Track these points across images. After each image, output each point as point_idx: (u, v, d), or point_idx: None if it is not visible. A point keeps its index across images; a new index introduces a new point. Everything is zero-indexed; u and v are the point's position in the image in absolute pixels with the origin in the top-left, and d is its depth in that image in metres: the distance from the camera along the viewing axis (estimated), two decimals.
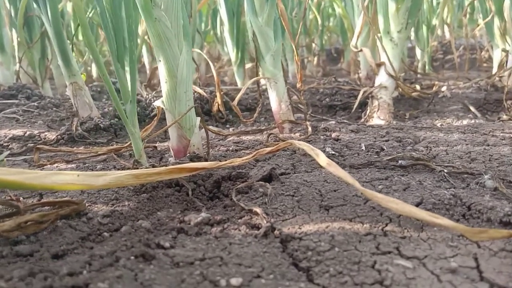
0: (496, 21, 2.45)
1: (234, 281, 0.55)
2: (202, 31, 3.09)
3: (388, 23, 1.67)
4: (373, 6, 1.85)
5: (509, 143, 1.18)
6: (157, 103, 1.10)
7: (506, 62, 2.19)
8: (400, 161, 0.94)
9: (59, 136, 1.43)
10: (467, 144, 1.15)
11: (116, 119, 1.56)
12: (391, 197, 0.65)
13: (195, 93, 1.81)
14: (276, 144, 1.14)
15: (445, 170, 0.87)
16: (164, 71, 1.04)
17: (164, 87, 1.07)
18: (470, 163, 1.01)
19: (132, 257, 0.59)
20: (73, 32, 2.06)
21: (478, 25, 3.44)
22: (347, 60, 3.24)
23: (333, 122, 1.58)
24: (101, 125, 1.51)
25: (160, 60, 1.04)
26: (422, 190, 0.81)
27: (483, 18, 2.78)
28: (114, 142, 1.45)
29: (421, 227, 0.70)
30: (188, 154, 1.08)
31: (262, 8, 1.36)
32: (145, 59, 3.14)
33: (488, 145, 1.16)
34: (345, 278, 0.58)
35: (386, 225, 0.71)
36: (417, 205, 0.76)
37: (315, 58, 3.35)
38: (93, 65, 3.33)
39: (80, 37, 3.15)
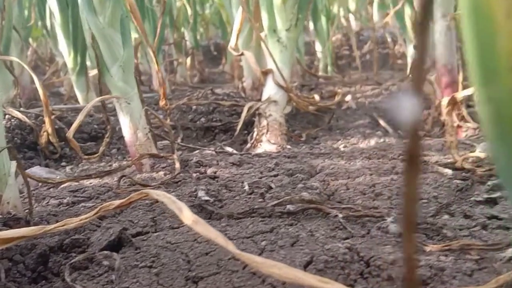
0: (407, 10, 2.75)
1: None
2: (25, 26, 2.97)
3: (273, 19, 1.79)
4: None
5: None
6: None
7: None
8: (288, 206, 1.01)
9: None
10: (371, 174, 1.27)
11: None
12: (273, 261, 0.70)
13: (14, 119, 1.75)
14: (133, 193, 1.14)
15: (341, 215, 0.96)
16: None
17: None
18: (374, 199, 1.11)
19: None
20: None
21: (388, 14, 3.82)
22: (230, 60, 3.35)
23: (210, 151, 1.64)
24: None
25: None
26: (313, 244, 0.87)
27: (394, 5, 3.09)
28: None
29: None
30: (1, 216, 1.05)
31: (103, 3, 1.36)
32: None
33: (397, 173, 1.29)
34: None
35: None
36: (307, 265, 0.82)
37: (188, 59, 3.42)
38: None
39: None
